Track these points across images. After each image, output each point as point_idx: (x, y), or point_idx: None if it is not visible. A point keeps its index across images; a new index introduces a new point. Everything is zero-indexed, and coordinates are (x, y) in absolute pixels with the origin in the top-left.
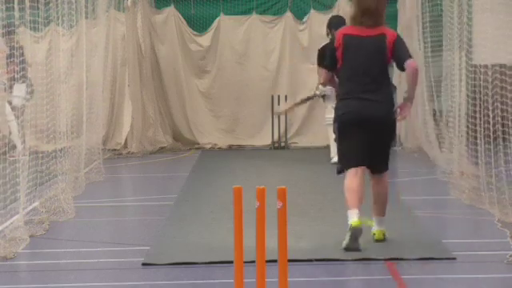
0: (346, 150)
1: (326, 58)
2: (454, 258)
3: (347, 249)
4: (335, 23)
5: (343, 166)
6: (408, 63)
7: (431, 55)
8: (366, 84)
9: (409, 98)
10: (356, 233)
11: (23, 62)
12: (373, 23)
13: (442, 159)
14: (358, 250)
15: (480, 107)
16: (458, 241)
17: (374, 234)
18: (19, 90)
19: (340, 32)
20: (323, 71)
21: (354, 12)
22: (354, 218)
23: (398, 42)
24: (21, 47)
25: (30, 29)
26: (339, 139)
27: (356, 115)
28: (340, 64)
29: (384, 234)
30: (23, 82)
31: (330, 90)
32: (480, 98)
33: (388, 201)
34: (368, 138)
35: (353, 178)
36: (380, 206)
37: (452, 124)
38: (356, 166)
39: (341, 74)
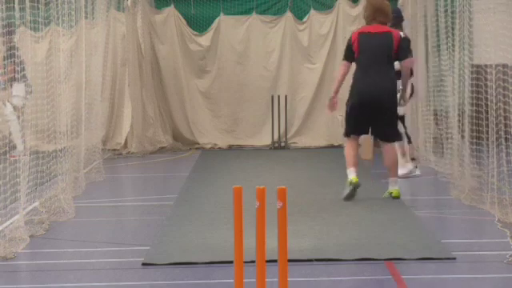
0: (353, 122)
1: (345, 52)
2: (454, 258)
3: (347, 198)
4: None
5: (347, 133)
6: (404, 61)
7: (432, 55)
8: (375, 69)
9: (403, 89)
10: (355, 187)
11: (22, 62)
12: (383, 19)
13: (436, 161)
14: (353, 196)
15: (482, 107)
16: (457, 241)
17: (392, 192)
18: (19, 89)
19: (356, 31)
20: (343, 63)
21: (368, 11)
22: (352, 174)
23: (403, 41)
24: (16, 48)
25: (31, 29)
26: (349, 112)
27: (366, 94)
28: (356, 56)
29: (399, 192)
30: (23, 81)
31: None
32: (482, 98)
33: (397, 165)
34: (374, 113)
35: (351, 142)
36: (392, 169)
37: (452, 124)
38: (356, 134)
39: (356, 62)
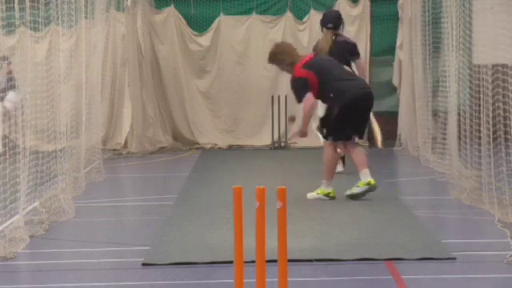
0: (344, 126)
1: (304, 90)
2: (454, 258)
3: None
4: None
5: (336, 138)
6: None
7: (432, 55)
8: (348, 75)
9: None
10: (371, 189)
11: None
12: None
13: (435, 161)
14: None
15: (481, 107)
16: (457, 241)
17: (370, 181)
18: (14, 96)
19: (299, 71)
20: (309, 95)
21: (290, 54)
22: (330, 187)
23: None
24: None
25: (31, 29)
26: (338, 117)
27: (358, 95)
28: (319, 81)
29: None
30: (17, 91)
31: None
32: (481, 98)
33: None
34: (363, 112)
35: (333, 147)
36: (364, 162)
37: (451, 124)
38: (347, 137)
39: (324, 83)
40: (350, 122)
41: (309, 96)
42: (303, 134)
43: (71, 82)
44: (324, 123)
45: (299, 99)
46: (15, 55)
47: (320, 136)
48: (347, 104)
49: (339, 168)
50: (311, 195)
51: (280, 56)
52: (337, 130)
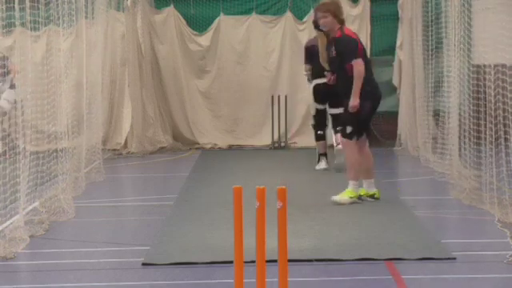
0: (367, 123)
1: (356, 51)
2: (454, 258)
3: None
4: None
5: (360, 134)
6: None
7: (432, 55)
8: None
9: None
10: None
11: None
12: None
13: (435, 161)
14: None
15: (482, 107)
16: (457, 241)
17: (375, 194)
18: (9, 95)
19: (351, 32)
20: (359, 61)
21: (342, 13)
22: (358, 188)
23: None
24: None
25: (30, 29)
26: (368, 114)
27: (380, 95)
28: (363, 55)
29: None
30: (13, 89)
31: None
32: (481, 98)
33: None
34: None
35: (358, 147)
36: (371, 170)
37: (452, 124)
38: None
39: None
40: (370, 119)
41: (359, 60)
42: (356, 105)
43: (71, 81)
44: (347, 121)
45: (350, 59)
46: (15, 55)
47: (315, 133)
48: (377, 102)
49: (322, 165)
50: (343, 199)
51: (338, 9)
52: (362, 127)
